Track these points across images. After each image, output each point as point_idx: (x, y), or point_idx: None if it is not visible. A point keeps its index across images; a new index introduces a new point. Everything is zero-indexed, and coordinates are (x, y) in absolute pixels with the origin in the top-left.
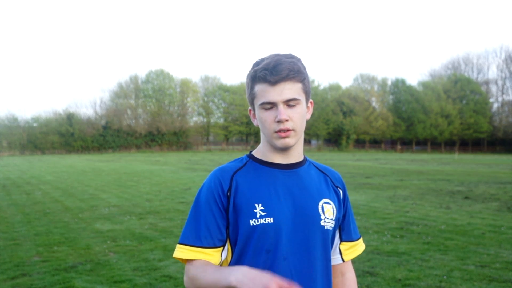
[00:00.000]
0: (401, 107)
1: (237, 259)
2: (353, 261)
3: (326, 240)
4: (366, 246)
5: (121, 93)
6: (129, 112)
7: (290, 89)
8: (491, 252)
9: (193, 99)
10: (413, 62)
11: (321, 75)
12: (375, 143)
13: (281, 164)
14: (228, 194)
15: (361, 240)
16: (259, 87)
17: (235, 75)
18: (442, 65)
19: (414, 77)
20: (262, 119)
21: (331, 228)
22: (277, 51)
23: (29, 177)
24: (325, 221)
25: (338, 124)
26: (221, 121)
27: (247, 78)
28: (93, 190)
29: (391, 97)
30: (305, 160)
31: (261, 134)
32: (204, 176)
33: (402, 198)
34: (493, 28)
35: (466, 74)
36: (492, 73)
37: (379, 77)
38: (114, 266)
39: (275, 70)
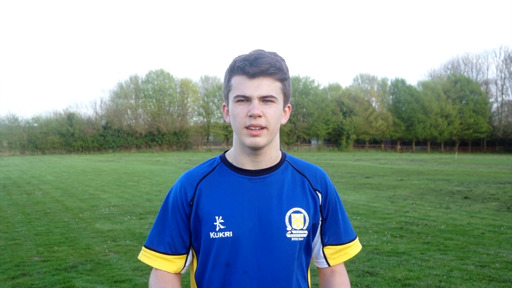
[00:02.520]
0: (401, 107)
1: (200, 270)
2: (353, 260)
3: (293, 252)
4: (366, 246)
5: (121, 93)
6: (129, 112)
7: (268, 86)
8: (491, 252)
9: (193, 99)
10: (413, 62)
11: (321, 75)
12: (375, 143)
13: (250, 170)
14: (191, 203)
15: (354, 242)
16: (236, 79)
17: None
18: (441, 65)
19: (414, 77)
20: (234, 113)
21: (301, 239)
22: (277, 51)
23: (30, 177)
24: (291, 233)
25: (338, 124)
26: (221, 121)
27: (225, 71)
28: (93, 190)
29: (391, 97)
30: (281, 162)
31: (234, 134)
32: None
33: (402, 198)
34: (492, 28)
35: (465, 75)
36: (492, 73)
37: (379, 77)
38: (115, 266)
39: (255, 62)
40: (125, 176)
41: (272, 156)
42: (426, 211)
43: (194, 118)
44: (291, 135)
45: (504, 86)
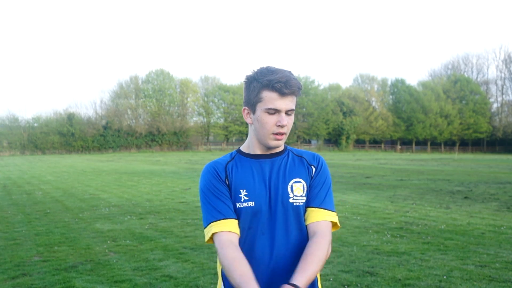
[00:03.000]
0: (401, 107)
1: None
2: (353, 260)
3: (298, 214)
4: (366, 246)
5: (121, 93)
6: (129, 112)
7: (292, 101)
8: (491, 252)
9: (193, 99)
10: (413, 62)
11: (321, 75)
12: (375, 143)
13: (262, 154)
14: (226, 182)
15: (330, 212)
16: (268, 94)
17: (235, 75)
18: (442, 65)
19: (414, 77)
20: (264, 121)
21: (301, 203)
22: (277, 51)
23: (30, 177)
24: (293, 199)
25: (338, 124)
26: (221, 121)
27: (252, 82)
28: (93, 190)
29: (391, 97)
30: (284, 149)
31: (251, 131)
32: None
33: (402, 198)
34: (492, 28)
35: (465, 75)
36: (492, 73)
37: (379, 77)
38: (115, 266)
39: (288, 84)
40: (125, 176)
41: (280, 148)
42: (426, 211)
43: (194, 118)
44: (291, 135)
45: (504, 86)
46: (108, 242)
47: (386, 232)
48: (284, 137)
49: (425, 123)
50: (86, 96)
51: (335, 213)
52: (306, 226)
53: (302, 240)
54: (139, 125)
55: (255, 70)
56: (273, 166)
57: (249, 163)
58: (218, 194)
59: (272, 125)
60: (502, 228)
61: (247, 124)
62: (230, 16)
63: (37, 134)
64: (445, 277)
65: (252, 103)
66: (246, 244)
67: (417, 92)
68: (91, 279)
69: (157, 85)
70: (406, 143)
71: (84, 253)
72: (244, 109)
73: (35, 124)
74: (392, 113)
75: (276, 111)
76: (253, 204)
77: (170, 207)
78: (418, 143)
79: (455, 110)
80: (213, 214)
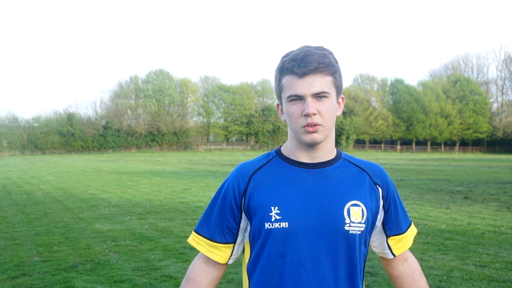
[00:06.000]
0: (401, 107)
1: (253, 260)
2: None
3: (351, 245)
4: None
5: (121, 93)
6: (129, 112)
7: (319, 82)
8: (491, 252)
9: (193, 99)
10: (413, 62)
11: None
12: (375, 143)
13: (307, 163)
14: (244, 194)
15: (410, 229)
16: (286, 79)
17: (235, 75)
18: (442, 65)
19: (414, 77)
20: (289, 113)
21: (359, 232)
22: (277, 51)
23: (30, 177)
24: (350, 226)
25: (338, 124)
26: (221, 121)
27: (275, 71)
28: (93, 190)
29: (390, 97)
30: (337, 157)
31: (289, 129)
32: (204, 176)
33: (402, 198)
34: (492, 28)
35: (465, 75)
36: (492, 73)
37: (379, 77)
38: (114, 266)
39: (303, 61)
40: (125, 176)
41: (328, 150)
42: (426, 211)
43: (194, 118)
44: None
45: (504, 86)
46: (108, 242)
47: None
48: (320, 129)
49: (425, 123)
50: (86, 96)
51: (412, 222)
52: (394, 257)
53: (352, 277)
54: (139, 125)
55: None
56: (323, 180)
57: (289, 171)
58: (221, 213)
59: (298, 116)
60: (502, 228)
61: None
62: (230, 16)
63: (37, 134)
64: (445, 277)
65: (278, 95)
66: (276, 276)
67: (417, 92)
68: (91, 279)
69: (157, 85)
70: (406, 143)
71: (84, 253)
72: (277, 104)
73: (35, 124)
74: (392, 113)
75: (299, 97)
76: (287, 226)
77: (170, 207)
78: (418, 143)
79: (455, 110)
80: (209, 228)
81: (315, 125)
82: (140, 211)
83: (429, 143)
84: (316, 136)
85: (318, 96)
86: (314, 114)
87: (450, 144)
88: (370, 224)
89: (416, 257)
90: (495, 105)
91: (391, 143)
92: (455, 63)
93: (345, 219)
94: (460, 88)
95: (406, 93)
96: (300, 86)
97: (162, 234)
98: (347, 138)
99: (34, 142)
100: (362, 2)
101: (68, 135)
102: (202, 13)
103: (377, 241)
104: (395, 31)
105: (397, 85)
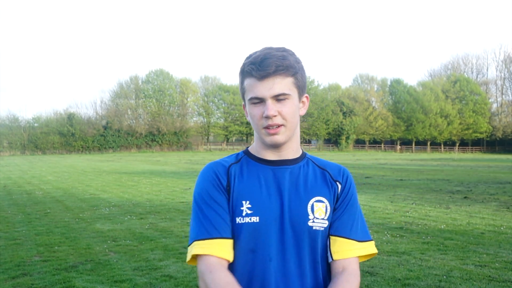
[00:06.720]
0: (401, 107)
1: None
2: None
3: (314, 241)
4: None
5: (121, 93)
6: (129, 112)
7: (279, 84)
8: (491, 252)
9: (193, 99)
10: (412, 62)
11: (321, 75)
12: (375, 143)
13: (274, 160)
14: (228, 188)
15: (366, 243)
16: (247, 82)
17: (235, 75)
18: (441, 65)
19: (414, 77)
20: (251, 115)
21: (321, 229)
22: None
23: (30, 177)
24: (313, 221)
25: (338, 124)
26: (221, 121)
27: (238, 73)
28: (93, 190)
29: (390, 97)
30: (302, 157)
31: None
32: None
33: (402, 198)
34: (492, 28)
35: (465, 75)
36: (491, 73)
37: (379, 77)
38: (115, 266)
39: (262, 65)
40: (125, 176)
41: (293, 149)
42: (426, 211)
43: (194, 118)
44: None
45: (504, 86)
46: (108, 242)
47: (386, 232)
48: (282, 130)
49: (424, 123)
50: (86, 96)
51: (371, 242)
52: (333, 260)
53: (316, 273)
54: (139, 125)
55: None
56: (289, 177)
57: (258, 169)
58: (214, 205)
59: (259, 117)
60: (501, 228)
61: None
62: (230, 16)
63: (37, 134)
64: (445, 277)
65: (242, 96)
66: (246, 271)
67: (416, 92)
68: (91, 279)
69: (157, 85)
70: (406, 143)
71: (84, 253)
72: (243, 105)
73: (35, 124)
74: (392, 113)
75: (259, 99)
76: (257, 220)
77: (170, 207)
78: (418, 143)
79: (455, 110)
80: (206, 229)
81: (277, 126)
82: (140, 211)
83: (428, 143)
84: (277, 138)
85: (279, 98)
86: (275, 116)
87: (449, 144)
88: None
89: (416, 257)
90: (494, 105)
91: (391, 143)
92: (454, 63)
93: (308, 215)
94: (459, 88)
95: (406, 93)
96: (260, 88)
97: (162, 234)
98: (347, 138)
99: (35, 142)
100: (362, 2)
101: (68, 135)
102: (202, 13)
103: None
104: (395, 31)
105: (397, 85)
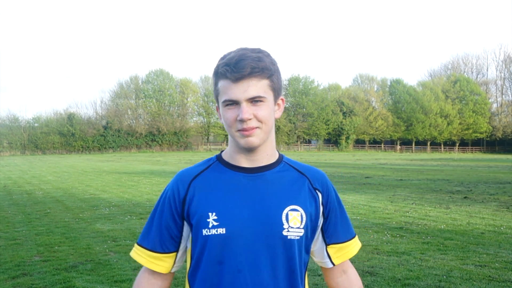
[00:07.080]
0: (401, 107)
1: (193, 268)
2: (353, 260)
3: (290, 250)
4: (366, 246)
5: (121, 93)
6: (129, 112)
7: (254, 86)
8: (491, 252)
9: (193, 99)
10: (412, 62)
11: (321, 75)
12: (375, 143)
13: (247, 167)
14: (184, 201)
15: (354, 240)
16: (221, 84)
17: None
18: (441, 65)
19: (414, 77)
20: (225, 118)
21: (297, 238)
22: (277, 51)
23: (30, 177)
24: (288, 231)
25: (338, 124)
26: (221, 121)
27: (212, 74)
28: (93, 190)
29: (390, 97)
30: (279, 161)
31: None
32: None
33: (402, 198)
34: (492, 28)
35: (465, 75)
36: (491, 73)
37: (379, 77)
38: (115, 266)
39: (237, 66)
40: (125, 176)
41: (268, 153)
42: (426, 211)
43: (194, 118)
44: (291, 135)
45: (504, 86)
46: (109, 242)
47: (386, 232)
48: (257, 132)
49: (424, 123)
50: (86, 96)
51: (356, 236)
52: (334, 265)
53: (292, 283)
54: (139, 125)
55: None
56: (263, 185)
57: (228, 177)
58: (163, 220)
59: (233, 120)
60: (501, 228)
61: None
62: (230, 16)
63: (38, 134)
64: (444, 277)
65: (216, 98)
66: (215, 283)
67: (416, 92)
68: (91, 279)
69: (157, 85)
70: (406, 143)
71: (84, 253)
72: (217, 107)
73: (36, 124)
74: (391, 113)
75: (234, 102)
76: (224, 232)
77: None
78: (418, 143)
79: (455, 110)
80: (149, 238)
81: (252, 128)
82: (140, 211)
83: (428, 143)
84: (252, 140)
85: (254, 100)
86: (249, 119)
87: (449, 144)
88: (310, 230)
89: (416, 257)
90: (494, 105)
91: (391, 143)
92: (454, 63)
93: (283, 224)
94: (459, 88)
95: (405, 93)
96: (235, 91)
97: None
98: (347, 138)
99: (35, 142)
100: (362, 2)
101: (68, 135)
102: (202, 13)
103: (317, 250)
104: (394, 31)
105: (397, 85)
